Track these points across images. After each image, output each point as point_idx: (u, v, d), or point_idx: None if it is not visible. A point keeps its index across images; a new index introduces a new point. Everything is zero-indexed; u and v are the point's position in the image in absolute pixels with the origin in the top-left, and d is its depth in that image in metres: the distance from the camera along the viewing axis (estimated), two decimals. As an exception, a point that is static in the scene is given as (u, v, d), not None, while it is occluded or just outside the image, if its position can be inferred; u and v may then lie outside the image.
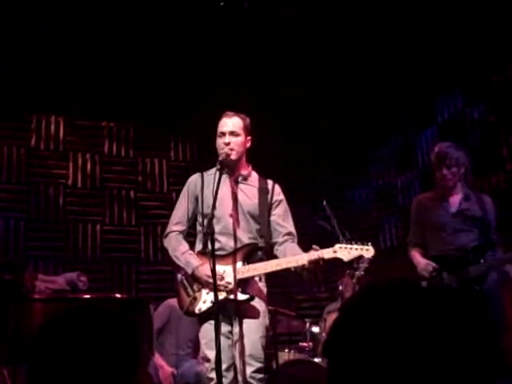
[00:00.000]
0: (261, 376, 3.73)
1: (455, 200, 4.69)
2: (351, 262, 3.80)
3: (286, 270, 3.78)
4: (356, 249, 3.69)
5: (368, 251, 3.71)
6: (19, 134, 6.87)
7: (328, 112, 7.46)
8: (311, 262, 3.64)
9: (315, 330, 5.94)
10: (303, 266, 3.67)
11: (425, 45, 6.35)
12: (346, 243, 3.70)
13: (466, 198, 4.67)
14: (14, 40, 6.11)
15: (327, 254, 3.68)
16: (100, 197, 7.09)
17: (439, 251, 4.62)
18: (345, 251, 3.68)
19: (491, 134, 6.32)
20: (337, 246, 3.70)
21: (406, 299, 0.93)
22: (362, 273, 5.63)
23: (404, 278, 0.99)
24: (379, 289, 0.98)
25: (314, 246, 3.68)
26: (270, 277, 4.01)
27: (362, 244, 3.71)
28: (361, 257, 3.72)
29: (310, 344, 5.83)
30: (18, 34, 6.06)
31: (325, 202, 4.28)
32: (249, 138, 4.00)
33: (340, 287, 6.24)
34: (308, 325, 5.96)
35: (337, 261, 3.71)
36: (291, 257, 3.77)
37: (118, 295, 4.91)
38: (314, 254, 3.64)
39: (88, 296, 4.37)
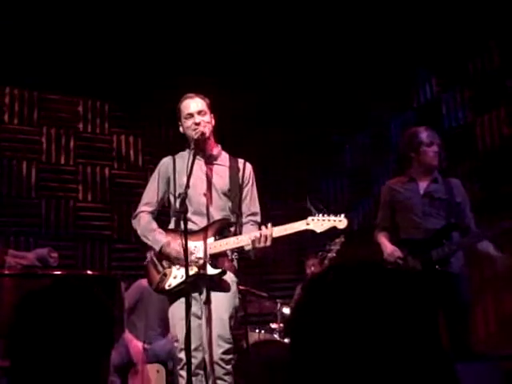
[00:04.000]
0: (230, 357, 3.75)
1: (424, 182, 4.74)
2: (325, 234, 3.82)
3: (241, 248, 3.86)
4: (329, 220, 3.71)
5: (341, 222, 3.72)
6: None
7: (303, 97, 7.47)
8: (252, 240, 3.71)
9: (286, 310, 5.97)
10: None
11: (402, 30, 6.36)
12: (319, 215, 3.72)
13: (435, 181, 4.72)
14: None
15: (300, 225, 3.71)
16: (74, 173, 7.03)
17: (409, 234, 4.68)
18: (318, 223, 3.70)
19: (466, 120, 6.38)
20: (309, 218, 3.72)
21: (369, 278, 0.94)
22: (334, 255, 5.67)
23: (369, 259, 0.99)
24: (342, 268, 0.98)
25: (268, 225, 3.73)
26: (241, 257, 4.04)
27: (335, 215, 3.74)
28: (334, 228, 3.73)
29: (281, 325, 5.87)
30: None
31: (308, 199, 4.30)
32: (212, 115, 4.05)
33: (312, 268, 6.29)
34: (279, 306, 5.99)
35: (310, 232, 3.74)
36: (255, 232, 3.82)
37: (89, 272, 4.89)
38: (257, 233, 3.71)
39: (59, 272, 4.35)
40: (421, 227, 4.61)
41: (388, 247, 4.68)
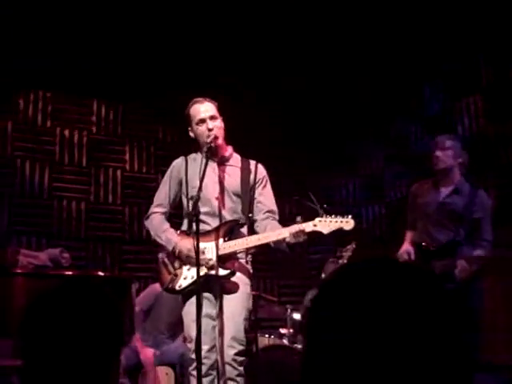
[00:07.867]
0: (242, 359, 3.75)
1: (445, 191, 4.65)
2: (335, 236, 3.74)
3: (266, 245, 3.80)
4: (336, 221, 3.65)
5: (348, 223, 3.64)
6: (6, 108, 6.81)
7: (318, 104, 7.49)
8: (292, 235, 3.63)
9: (296, 316, 5.95)
10: (284, 239, 3.66)
11: (414, 37, 6.34)
12: (326, 216, 3.69)
13: (456, 191, 4.61)
14: None
15: (307, 227, 3.66)
16: (86, 175, 7.06)
17: (421, 239, 4.63)
18: (324, 224, 3.64)
19: (479, 129, 6.34)
20: (316, 219, 3.67)
21: (385, 277, 0.93)
22: (345, 261, 5.65)
23: (385, 257, 0.97)
24: (357, 266, 0.97)
25: (297, 219, 3.68)
26: (253, 262, 4.03)
27: (342, 217, 3.69)
28: (340, 229, 3.68)
29: (291, 330, 5.85)
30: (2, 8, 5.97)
31: (311, 195, 4.24)
32: (221, 118, 4.02)
33: (323, 275, 6.27)
34: (289, 311, 5.97)
35: (318, 234, 3.70)
36: (272, 231, 3.78)
37: (100, 273, 4.90)
38: (295, 227, 3.64)
39: (70, 273, 4.37)
40: (432, 237, 4.56)
41: (403, 246, 4.66)
